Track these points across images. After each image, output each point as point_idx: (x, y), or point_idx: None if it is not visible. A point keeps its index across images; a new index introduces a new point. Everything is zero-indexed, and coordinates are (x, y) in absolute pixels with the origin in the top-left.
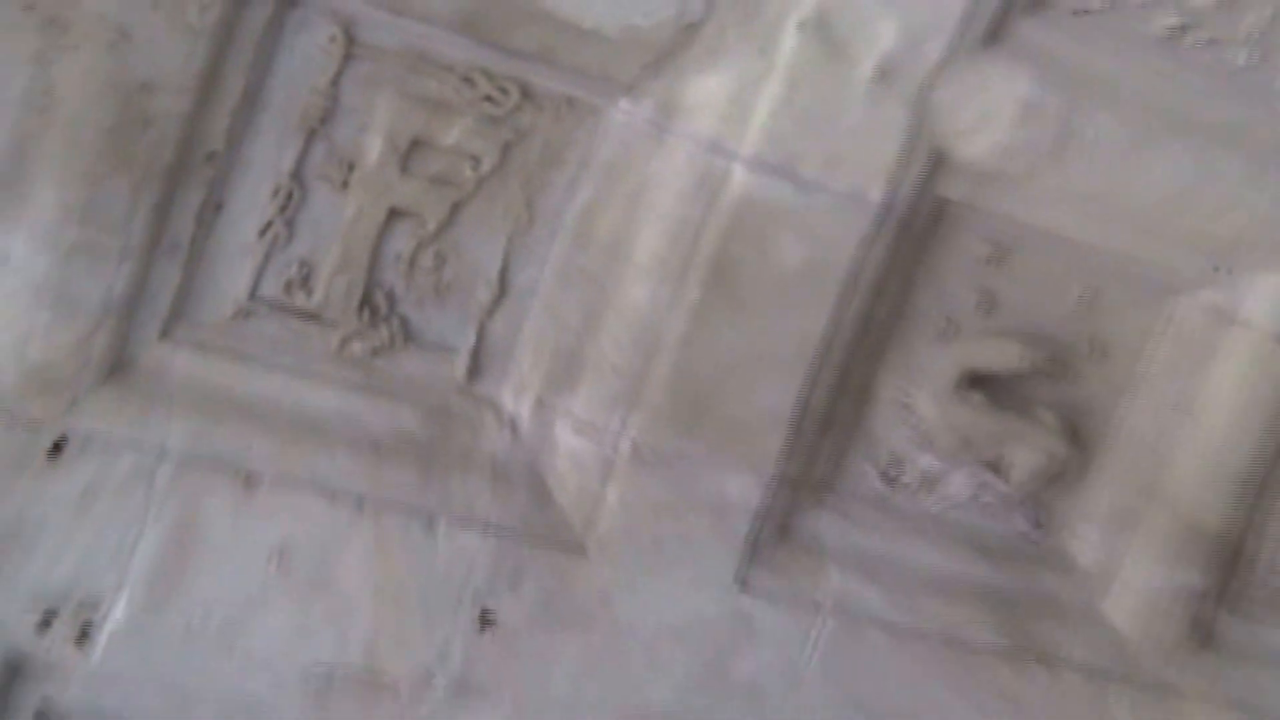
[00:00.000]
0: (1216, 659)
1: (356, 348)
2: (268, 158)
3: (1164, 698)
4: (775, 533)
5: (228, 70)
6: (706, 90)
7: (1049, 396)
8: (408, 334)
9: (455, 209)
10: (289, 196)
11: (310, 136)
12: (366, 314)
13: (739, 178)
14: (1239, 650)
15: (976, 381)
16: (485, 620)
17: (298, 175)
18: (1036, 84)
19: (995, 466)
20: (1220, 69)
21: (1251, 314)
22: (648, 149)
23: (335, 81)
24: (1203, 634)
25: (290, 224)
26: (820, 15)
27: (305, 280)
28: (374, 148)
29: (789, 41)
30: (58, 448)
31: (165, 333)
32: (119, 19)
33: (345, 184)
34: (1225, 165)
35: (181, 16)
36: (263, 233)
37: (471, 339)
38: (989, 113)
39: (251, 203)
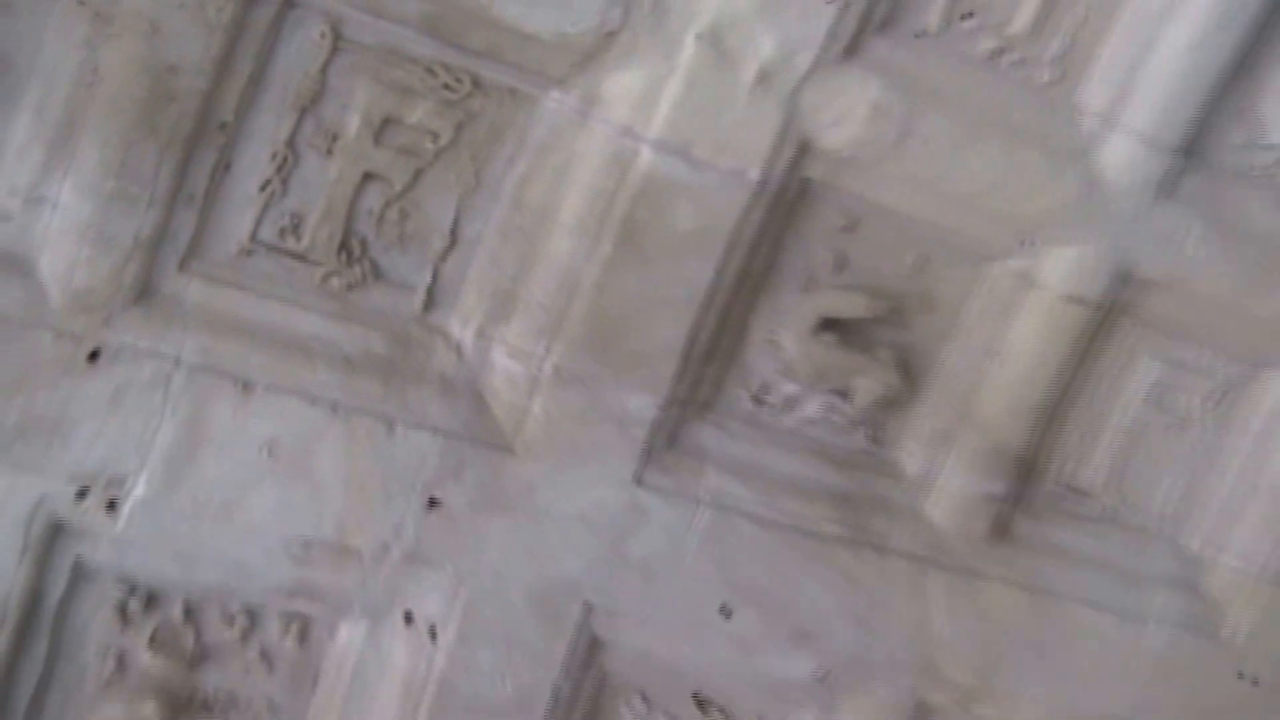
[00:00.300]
0: (1011, 549)
1: (335, 283)
2: (268, 128)
3: (969, 579)
4: (666, 441)
5: (238, 57)
6: (622, 85)
7: (887, 339)
8: (376, 273)
9: (417, 174)
10: (284, 160)
11: (302, 113)
12: (344, 256)
13: (645, 156)
14: (1029, 543)
15: (830, 325)
16: (432, 504)
17: (292, 143)
18: (884, 90)
19: (842, 393)
20: (1029, 84)
21: (1048, 279)
22: (573, 131)
23: (324, 69)
24: (1001, 530)
25: (285, 182)
26: (714, 29)
27: (295, 228)
28: (353, 123)
29: (688, 49)
30: (94, 356)
31: (182, 266)
32: (152, 14)
33: (329, 152)
34: (1031, 161)
35: (202, 13)
36: (262, 189)
37: (427, 279)
38: (845, 112)
39: (254, 164)
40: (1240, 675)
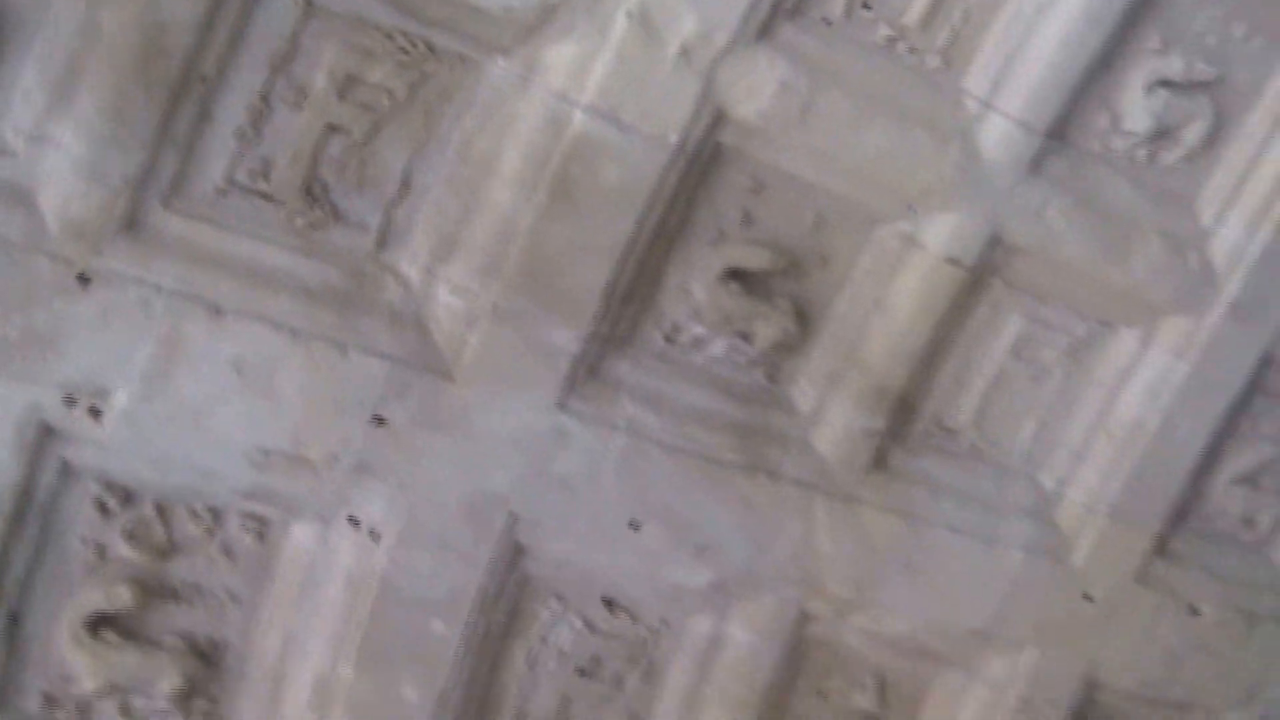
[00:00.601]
0: (888, 479)
1: (299, 222)
2: (245, 83)
3: (850, 504)
4: (587, 372)
5: (221, 19)
6: (559, 55)
7: (785, 289)
8: (336, 214)
9: (375, 127)
10: (258, 112)
11: (275, 70)
12: (307, 198)
13: (578, 119)
14: (903, 474)
15: (735, 275)
16: (379, 421)
17: (265, 97)
18: (791, 69)
19: (745, 336)
20: (920, 69)
21: (929, 242)
22: (515, 94)
23: (296, 32)
24: (880, 461)
25: (258, 131)
26: (643, 7)
27: (265, 172)
28: (320, 80)
29: (619, 25)
30: (85, 280)
31: (165, 203)
32: None
33: (298, 105)
34: (918, 138)
35: None
36: (238, 137)
37: (381, 221)
38: (756, 86)
39: (231, 114)
40: (1084, 596)
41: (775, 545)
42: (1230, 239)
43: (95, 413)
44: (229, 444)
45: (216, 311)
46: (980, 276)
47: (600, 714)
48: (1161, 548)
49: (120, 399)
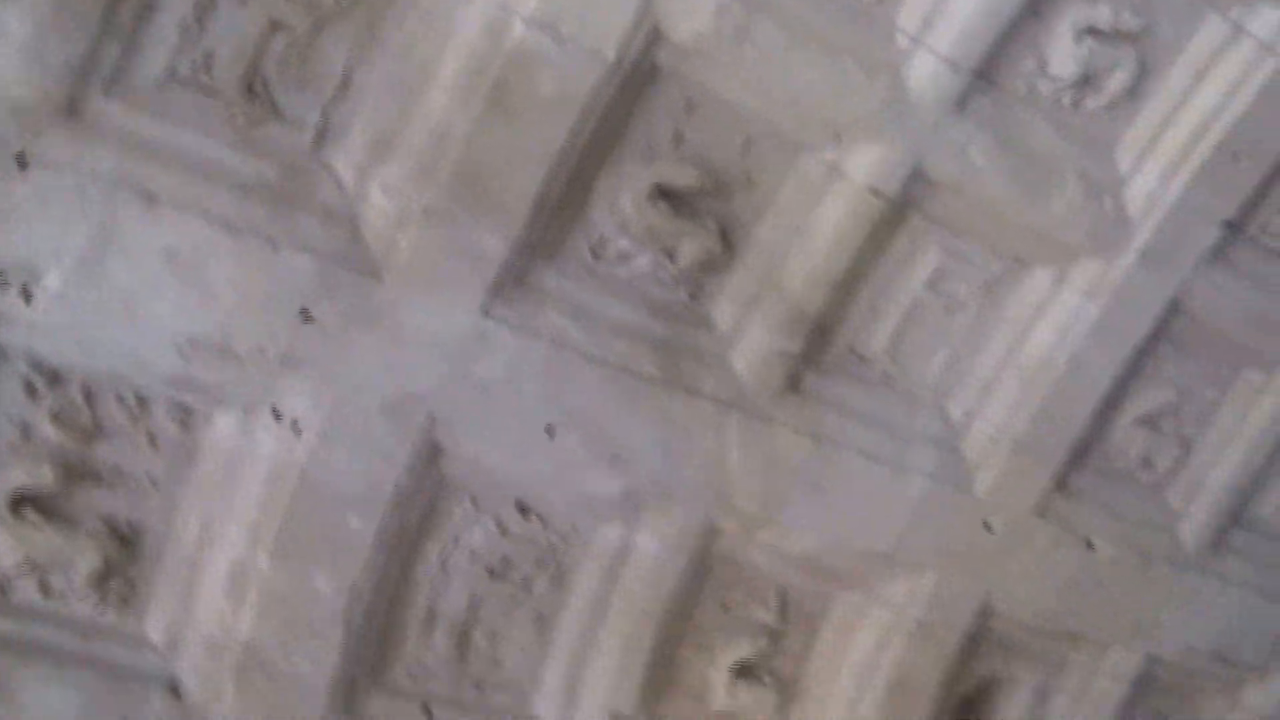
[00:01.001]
0: (800, 401)
1: (238, 117)
2: None
3: (763, 424)
4: (514, 280)
5: None
6: None
7: (712, 210)
8: (275, 111)
9: (318, 25)
10: (202, 5)
11: None
12: (247, 93)
13: (518, 29)
14: (816, 397)
15: (664, 193)
16: (306, 317)
17: None
18: None
19: (669, 253)
20: (854, 2)
21: (853, 172)
22: (457, 2)
23: None
24: (794, 383)
25: (202, 25)
26: None
27: (208, 66)
28: None
29: None
30: (23, 162)
31: (106, 92)
32: None
33: (243, 2)
34: (849, 70)
35: None
36: (181, 29)
37: (319, 119)
38: (693, 8)
39: (176, 6)
40: (985, 525)
41: (688, 460)
42: (1146, 187)
43: (27, 295)
44: (158, 332)
45: (152, 201)
46: (901, 209)
47: (508, 615)
48: (1062, 483)
49: (53, 282)
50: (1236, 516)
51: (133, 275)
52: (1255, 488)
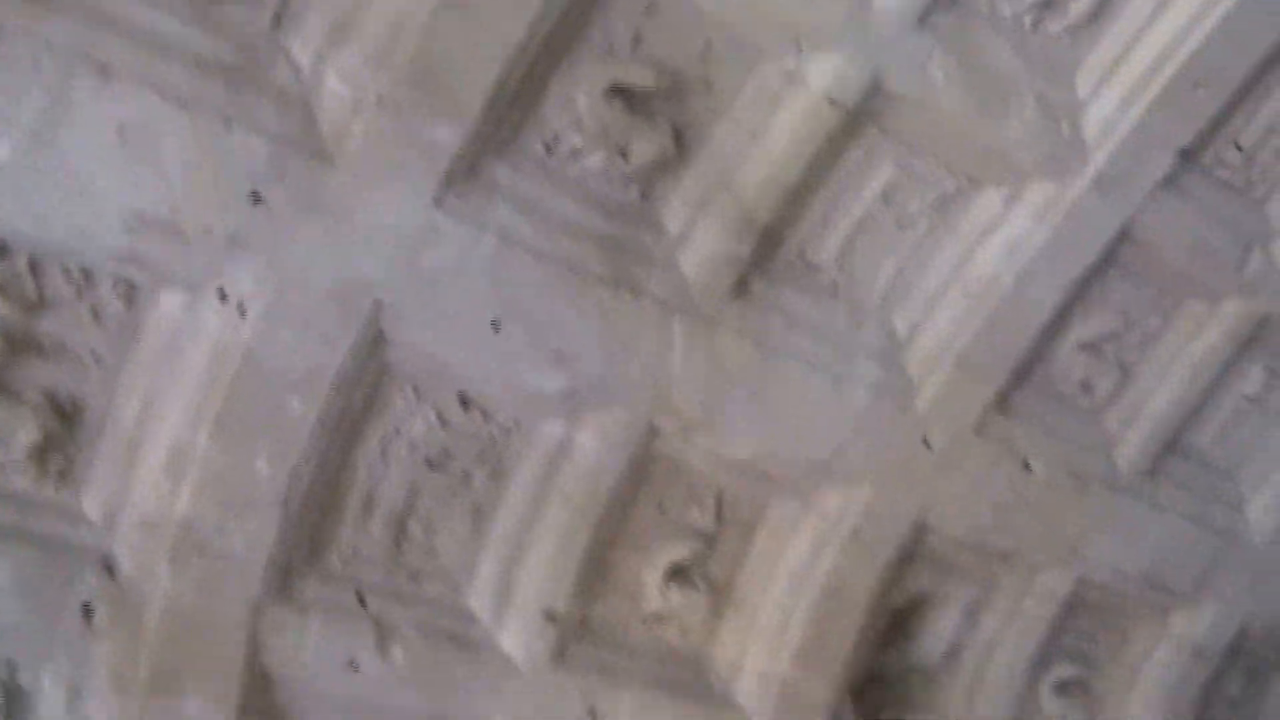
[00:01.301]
0: (746, 306)
1: None
2: None
3: (707, 327)
4: (465, 172)
5: None
6: None
7: (667, 111)
8: None
9: None
10: None
11: None
12: None
13: None
14: (762, 302)
15: (620, 92)
16: (256, 198)
17: None
18: None
19: (622, 152)
20: None
21: (812, 80)
22: None
23: None
24: (741, 288)
25: None
26: None
27: None
28: None
29: None
30: None
31: None
32: None
33: None
34: None
35: None
36: None
37: (278, 0)
38: None
39: None
40: (924, 441)
41: (631, 359)
42: (1103, 113)
43: None
44: (107, 207)
45: (106, 74)
46: (858, 120)
47: (446, 507)
48: (1002, 403)
49: (3, 151)
50: (1173, 444)
51: (84, 148)
52: (1193, 417)
